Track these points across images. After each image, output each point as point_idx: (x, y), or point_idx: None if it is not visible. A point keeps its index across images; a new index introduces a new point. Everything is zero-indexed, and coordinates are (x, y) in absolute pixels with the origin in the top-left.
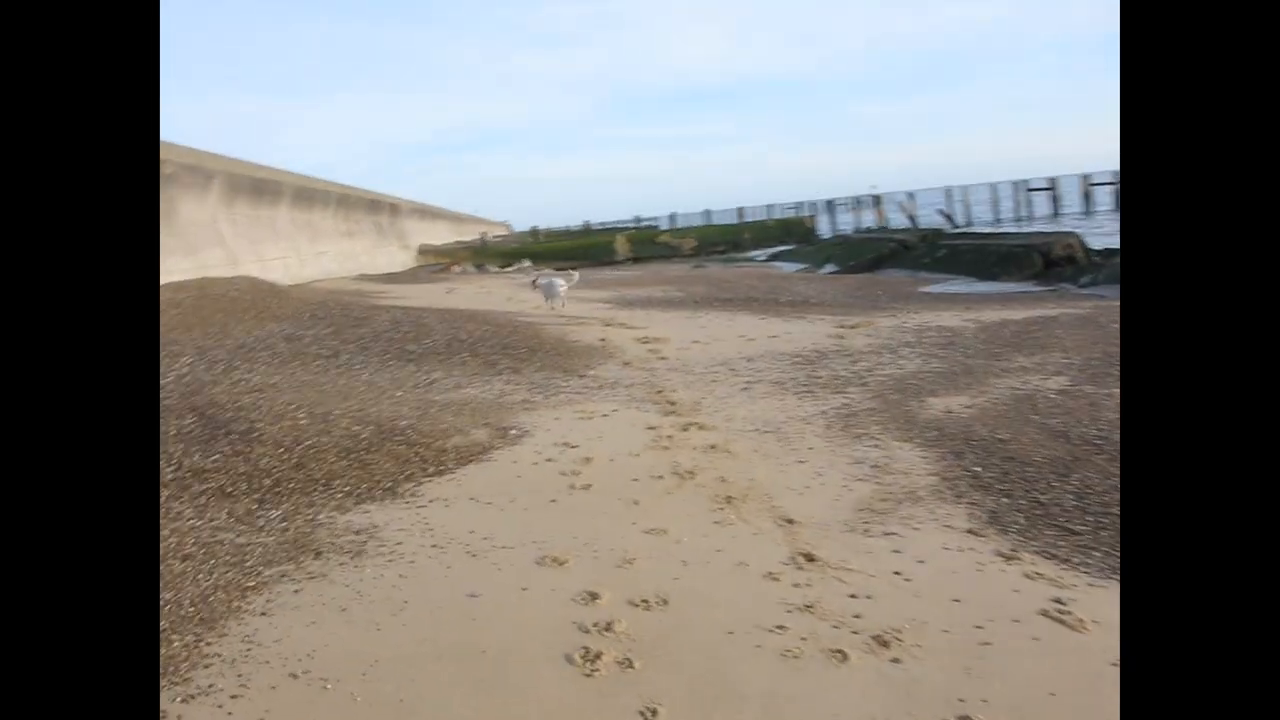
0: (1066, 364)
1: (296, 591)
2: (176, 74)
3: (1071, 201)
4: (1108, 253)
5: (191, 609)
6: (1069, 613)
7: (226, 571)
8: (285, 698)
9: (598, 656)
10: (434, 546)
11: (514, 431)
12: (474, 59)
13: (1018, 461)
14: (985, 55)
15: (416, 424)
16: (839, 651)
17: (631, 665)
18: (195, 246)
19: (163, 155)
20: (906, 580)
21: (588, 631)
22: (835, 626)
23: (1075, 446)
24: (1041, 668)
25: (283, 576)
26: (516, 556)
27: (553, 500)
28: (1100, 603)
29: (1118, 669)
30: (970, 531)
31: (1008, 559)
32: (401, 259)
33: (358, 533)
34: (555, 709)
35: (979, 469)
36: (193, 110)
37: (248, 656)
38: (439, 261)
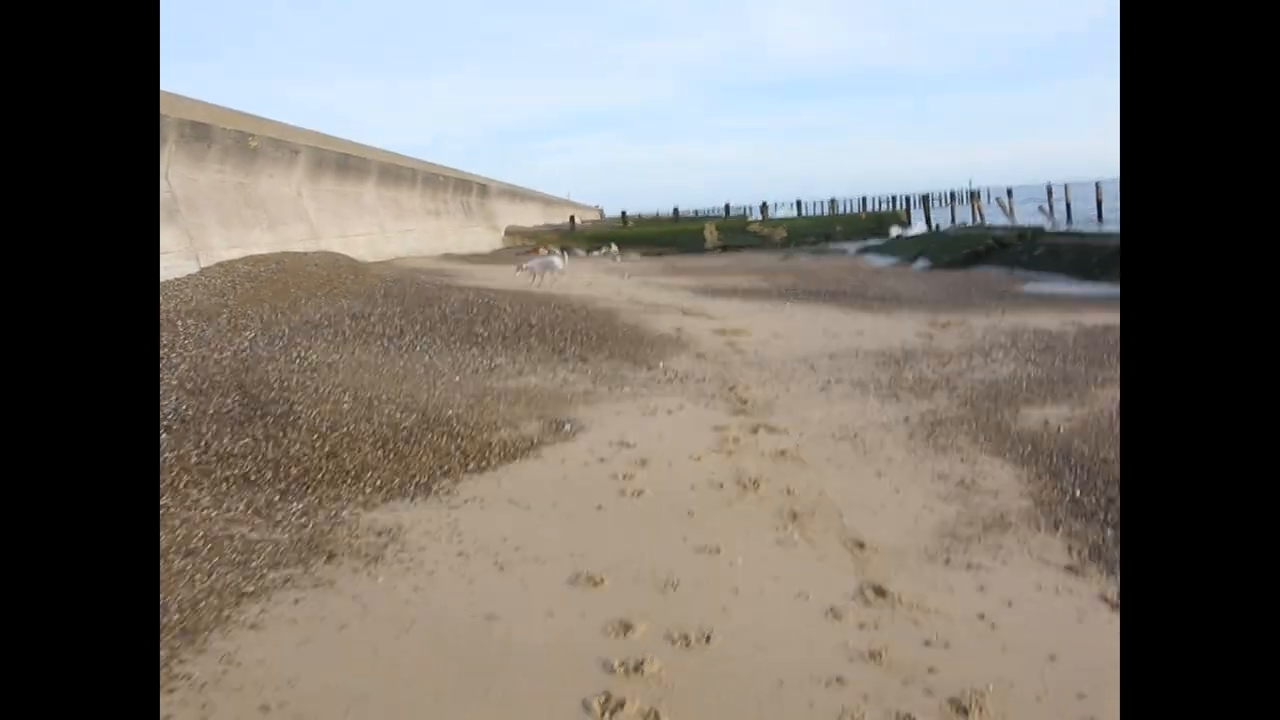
0: None
1: (297, 601)
2: (280, 52)
3: None
4: None
5: (177, 616)
6: None
7: (227, 573)
8: None
9: (619, 707)
10: (459, 555)
11: (568, 426)
12: (582, 43)
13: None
14: (1093, 50)
15: (465, 414)
16: (908, 717)
17: (657, 719)
18: (277, 220)
19: (249, 129)
20: (992, 626)
21: (613, 672)
22: (905, 682)
23: None
24: None
25: (286, 582)
26: (548, 572)
27: (599, 507)
28: None
29: None
30: (1069, 569)
31: (1115, 606)
32: (489, 240)
33: (379, 534)
34: None
35: (1080, 493)
36: (292, 90)
37: (220, 680)
38: (526, 243)
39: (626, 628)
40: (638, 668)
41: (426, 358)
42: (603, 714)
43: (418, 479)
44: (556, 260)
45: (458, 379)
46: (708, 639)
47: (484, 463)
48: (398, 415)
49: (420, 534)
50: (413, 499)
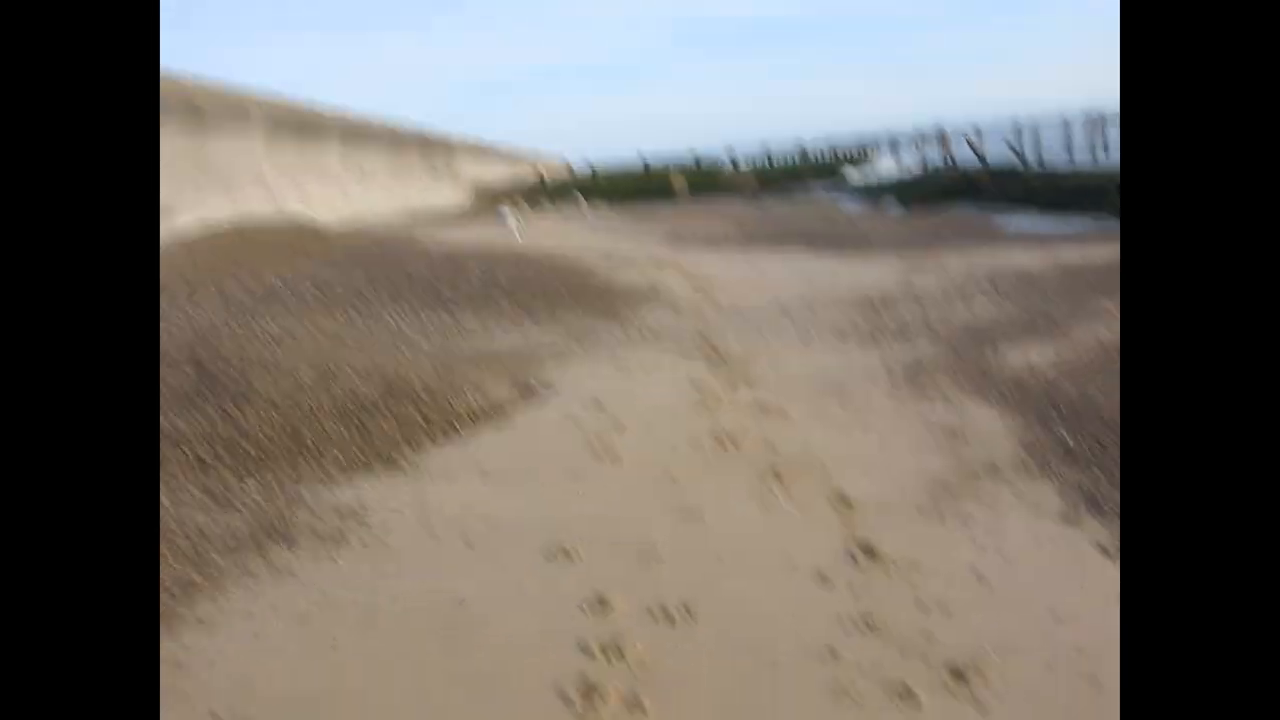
0: None
1: (252, 592)
2: (225, 15)
3: None
4: None
5: None
6: None
7: (175, 566)
8: None
9: (599, 693)
10: (426, 533)
11: (540, 388)
12: None
13: (1114, 428)
14: None
15: (431, 380)
16: (907, 691)
17: (640, 706)
18: (234, 186)
19: (200, 94)
20: (990, 586)
21: (591, 654)
22: (901, 651)
23: None
24: None
25: (242, 571)
26: (521, 547)
27: (573, 473)
28: None
29: None
30: (1065, 517)
31: (1111, 555)
32: (455, 198)
33: (341, 514)
34: None
35: (1069, 436)
36: (243, 52)
37: (165, 689)
38: (493, 201)
39: (604, 604)
40: (617, 649)
41: (392, 323)
42: (580, 701)
43: (382, 452)
44: (508, 214)
45: (424, 344)
46: (690, 613)
47: (452, 431)
48: (361, 385)
49: (385, 512)
50: (377, 474)
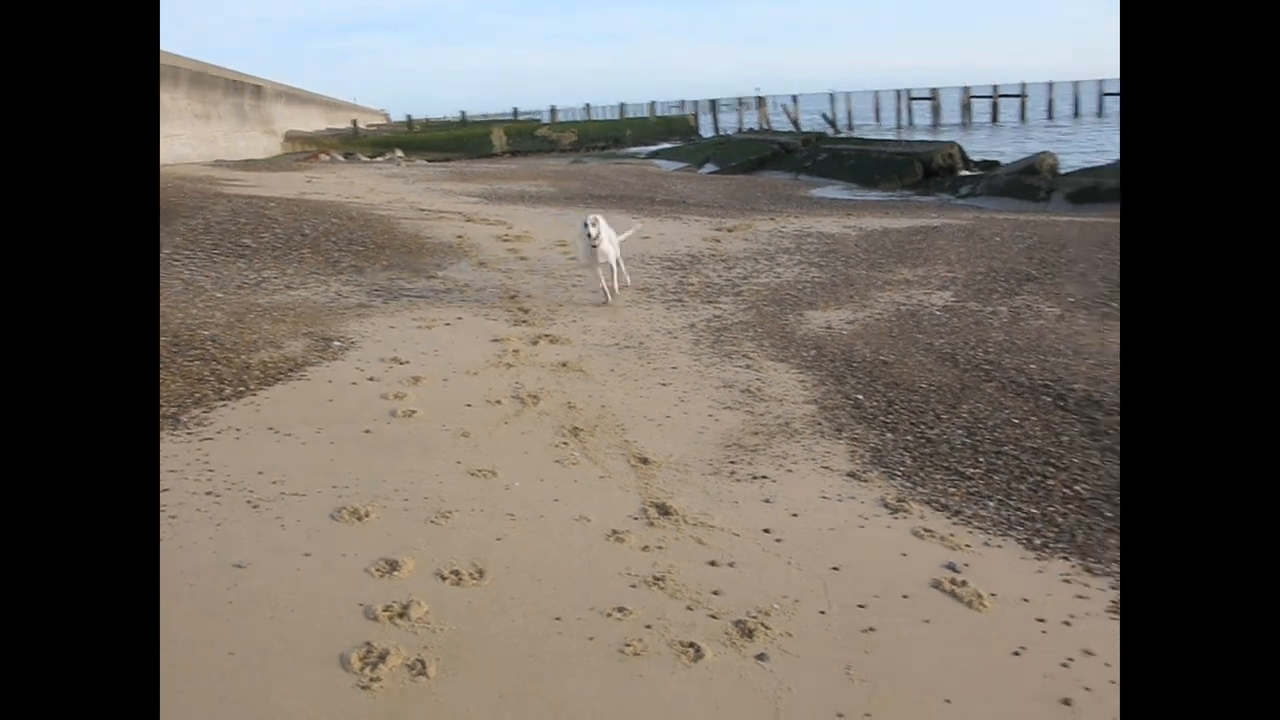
0: (951, 278)
1: None
2: None
3: (952, 113)
4: (986, 164)
5: None
6: (964, 583)
7: None
8: None
9: (382, 659)
10: (208, 494)
11: (337, 343)
12: None
13: (903, 389)
14: None
15: (223, 334)
16: (691, 645)
17: (424, 672)
18: None
19: None
20: (778, 541)
21: (376, 619)
22: (689, 607)
23: (964, 372)
24: (935, 663)
25: None
26: (308, 507)
27: (367, 431)
28: (996, 570)
29: (1021, 661)
30: (852, 475)
31: (894, 511)
32: (265, 145)
33: None
34: None
35: (861, 397)
36: None
37: None
38: (306, 149)
39: (393, 566)
40: (404, 612)
41: (185, 273)
42: (362, 669)
43: (165, 410)
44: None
45: (219, 295)
46: (481, 573)
47: (242, 387)
48: None
49: (164, 473)
50: (159, 433)
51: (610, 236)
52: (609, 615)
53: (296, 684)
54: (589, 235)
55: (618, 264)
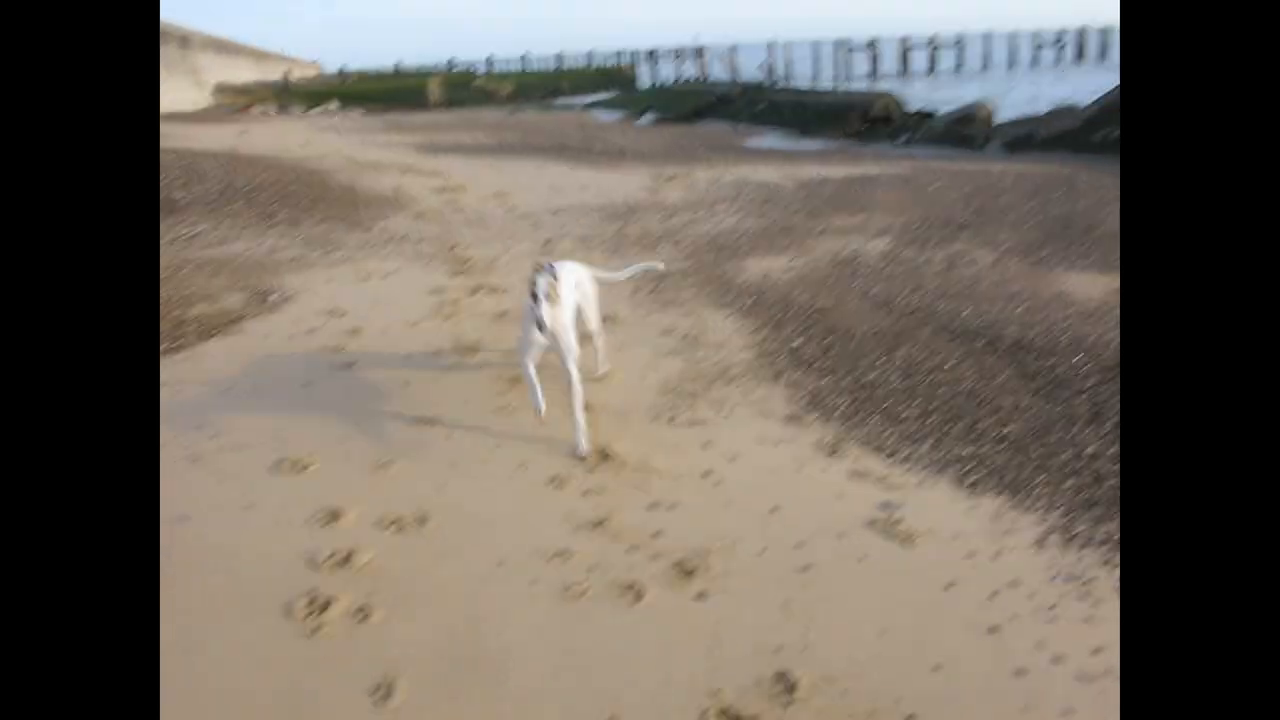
0: (887, 226)
1: None
2: None
3: (889, 63)
4: (922, 114)
5: None
6: (898, 522)
7: None
8: None
9: (326, 606)
10: None
11: (274, 296)
12: None
13: (840, 335)
14: None
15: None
16: (632, 586)
17: (368, 617)
18: None
19: None
20: (717, 484)
21: (319, 568)
22: (630, 549)
23: (900, 318)
24: (870, 598)
25: None
26: (249, 460)
27: (307, 383)
28: (929, 508)
29: (952, 593)
30: (790, 418)
31: (830, 453)
32: (193, 97)
33: None
34: (256, 690)
35: (799, 343)
36: None
37: None
38: (237, 101)
39: (335, 515)
40: (347, 559)
41: None
42: (307, 616)
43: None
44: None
45: None
46: (423, 520)
47: (178, 342)
48: None
49: None
50: None
51: (583, 289)
52: (551, 559)
53: (241, 635)
54: (536, 301)
55: (594, 335)
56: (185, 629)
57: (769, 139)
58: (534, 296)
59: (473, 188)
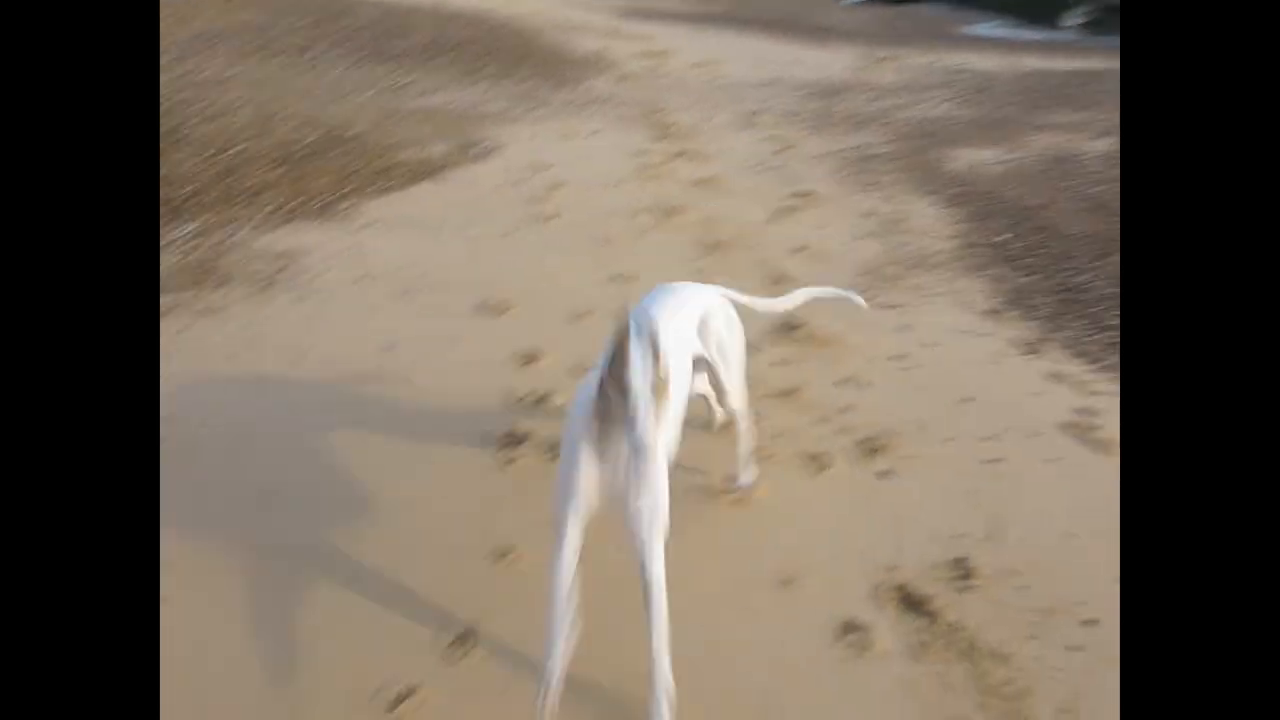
0: (1113, 125)
1: (180, 331)
2: None
3: None
4: None
5: None
6: (1096, 428)
7: None
8: None
9: (521, 441)
10: (362, 279)
11: (480, 147)
12: None
13: (1050, 234)
14: None
15: (370, 133)
16: (817, 457)
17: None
18: None
19: None
20: (910, 368)
21: (515, 406)
22: (820, 421)
23: (1117, 224)
24: (1058, 500)
25: (172, 309)
26: (453, 299)
27: (510, 231)
28: None
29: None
30: (989, 312)
31: (1029, 352)
32: None
33: (276, 258)
34: (455, 512)
35: (1005, 238)
36: None
37: None
38: None
39: (532, 358)
40: (541, 400)
41: (334, 73)
42: (503, 450)
43: (318, 200)
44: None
45: (366, 96)
46: None
47: (389, 184)
48: (298, 133)
49: (318, 259)
50: (312, 221)
51: (716, 337)
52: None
53: (449, 457)
54: (608, 399)
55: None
56: (397, 449)
57: (989, 26)
58: (603, 390)
59: (676, 54)
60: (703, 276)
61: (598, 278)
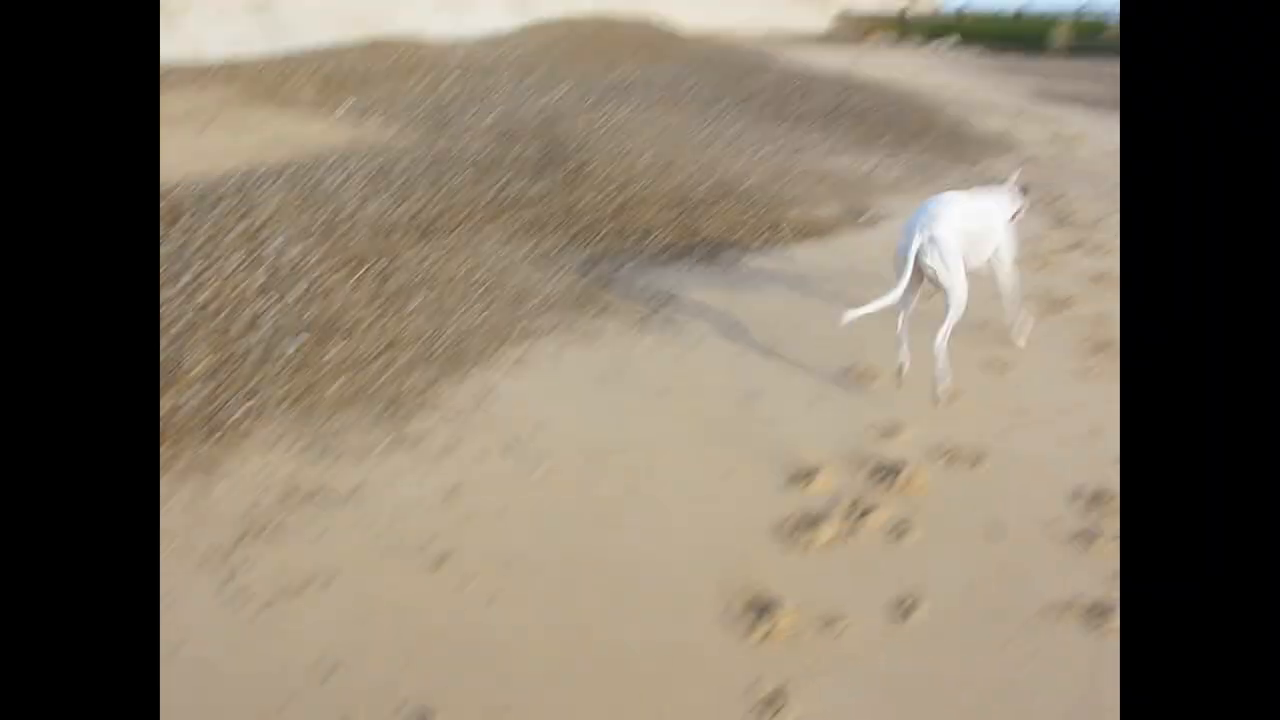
0: None
1: (561, 349)
2: None
3: None
4: None
5: (445, 346)
6: None
7: (502, 311)
8: (488, 469)
9: (866, 513)
10: (731, 327)
11: (869, 214)
12: None
13: None
14: None
15: (762, 188)
16: None
17: (905, 534)
18: None
19: None
20: None
21: (862, 468)
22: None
23: None
24: None
25: (554, 329)
26: (819, 359)
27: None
28: None
29: None
30: None
31: None
32: (817, 21)
33: (654, 297)
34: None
35: None
36: None
37: (475, 412)
38: (857, 28)
39: (893, 431)
40: (893, 473)
41: (734, 128)
42: (844, 518)
43: (702, 246)
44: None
45: (762, 153)
46: (979, 460)
47: (774, 239)
48: (692, 180)
49: (694, 302)
50: (695, 264)
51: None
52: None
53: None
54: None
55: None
56: (750, 479)
57: None
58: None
59: (1089, 140)
60: (1081, 380)
61: (968, 362)
